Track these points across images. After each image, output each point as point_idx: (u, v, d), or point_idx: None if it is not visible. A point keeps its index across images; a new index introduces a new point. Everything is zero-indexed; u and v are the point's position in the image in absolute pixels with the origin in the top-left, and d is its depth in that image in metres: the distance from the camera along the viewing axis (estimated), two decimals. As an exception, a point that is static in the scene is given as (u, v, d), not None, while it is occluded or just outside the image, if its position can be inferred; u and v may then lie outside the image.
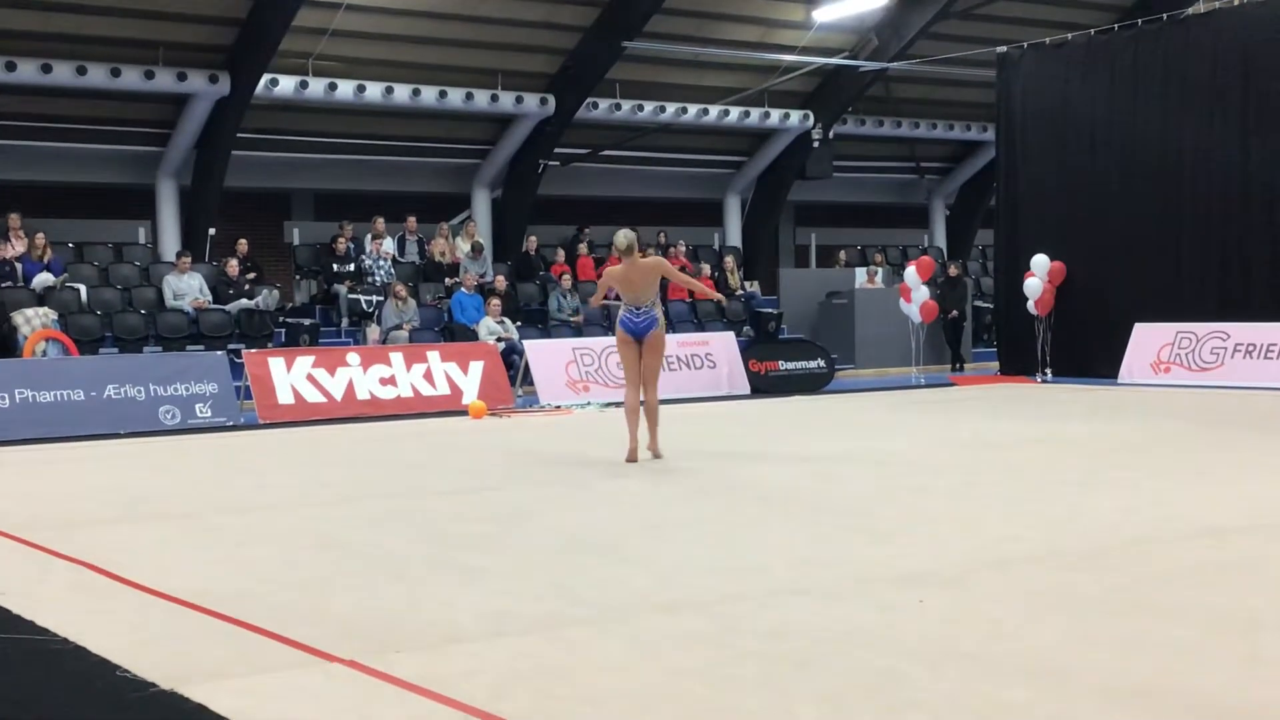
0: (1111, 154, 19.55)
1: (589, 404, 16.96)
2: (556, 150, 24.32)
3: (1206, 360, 17.76)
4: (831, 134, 26.19)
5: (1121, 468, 9.61)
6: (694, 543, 6.94)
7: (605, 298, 12.06)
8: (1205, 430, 12.30)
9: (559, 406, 16.76)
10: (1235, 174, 18.11)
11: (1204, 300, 18.24)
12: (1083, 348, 19.68)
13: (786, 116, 25.45)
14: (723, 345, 18.98)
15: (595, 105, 23.55)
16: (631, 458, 10.55)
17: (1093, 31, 20.99)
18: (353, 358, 16.61)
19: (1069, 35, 20.89)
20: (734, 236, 27.21)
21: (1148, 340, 18.49)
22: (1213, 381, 17.40)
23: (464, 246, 22.23)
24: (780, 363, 19.10)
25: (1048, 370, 19.83)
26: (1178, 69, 18.83)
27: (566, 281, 21.57)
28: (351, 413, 16.02)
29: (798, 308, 23.67)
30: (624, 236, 10.60)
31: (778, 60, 24.42)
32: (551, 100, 23.09)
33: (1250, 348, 17.38)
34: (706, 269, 24.00)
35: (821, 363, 19.37)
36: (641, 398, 10.71)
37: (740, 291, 24.25)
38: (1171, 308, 18.41)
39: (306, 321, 19.89)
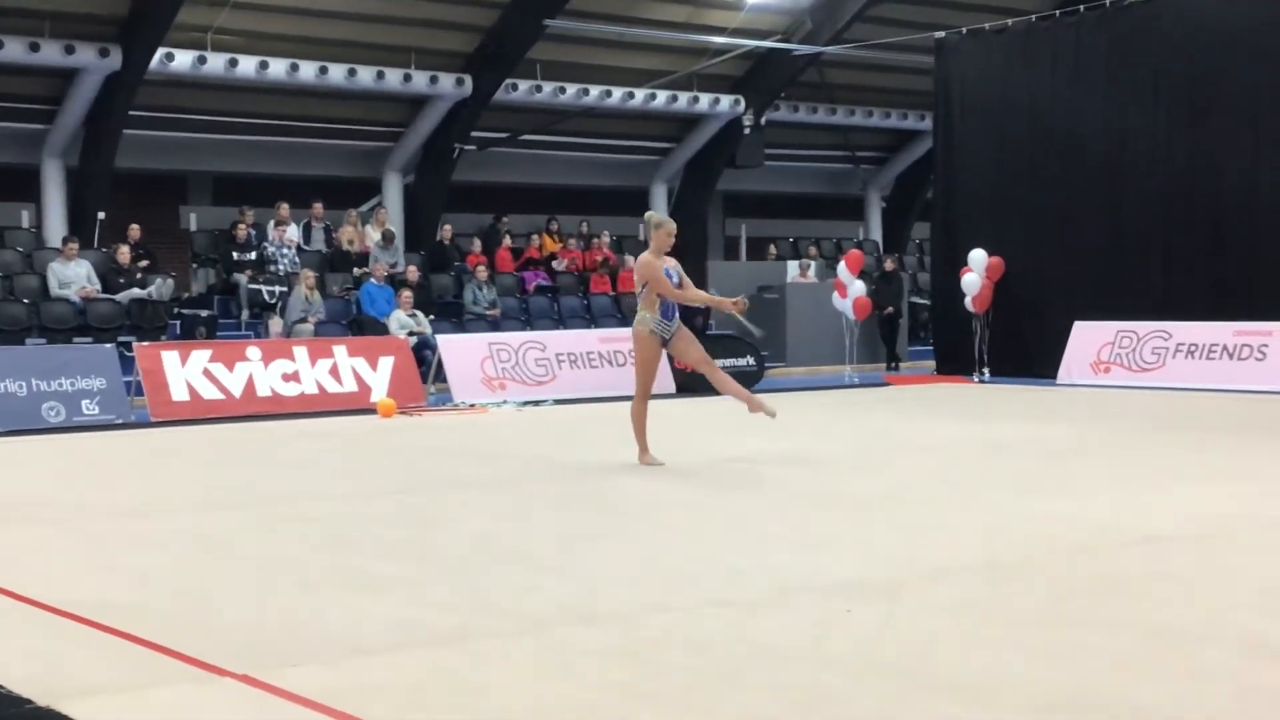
0: (1052, 145, 19.83)
1: (505, 402, 16.93)
2: (473, 134, 24.21)
3: (1147, 360, 18.07)
4: (763, 120, 26.31)
5: (1057, 473, 9.75)
6: (618, 551, 6.93)
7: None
8: (1143, 434, 12.52)
9: (474, 405, 16.70)
10: (1179, 166, 18.43)
11: (1146, 298, 18.55)
12: (1021, 346, 19.95)
13: (716, 102, 25.53)
14: (647, 341, 18.97)
15: (515, 87, 23.48)
16: (647, 463, 10.30)
17: (1034, 17, 21.32)
18: (253, 352, 16.43)
19: (1009, 21, 21.15)
20: (660, 227, 27.24)
21: (1088, 339, 18.78)
22: (1154, 382, 17.71)
23: (374, 235, 22.07)
24: (708, 360, 19.15)
25: (985, 370, 20.07)
26: (1121, 57, 19.13)
27: (483, 273, 21.50)
28: (252, 410, 15.84)
29: (726, 302, 23.73)
30: (673, 223, 10.22)
31: (707, 42, 24.49)
32: (469, 81, 22.99)
33: (1192, 348, 17.71)
34: (630, 261, 24.01)
35: (751, 360, 19.44)
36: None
37: (666, 285, 24.31)
38: (1113, 305, 18.71)
39: (204, 313, 19.64)
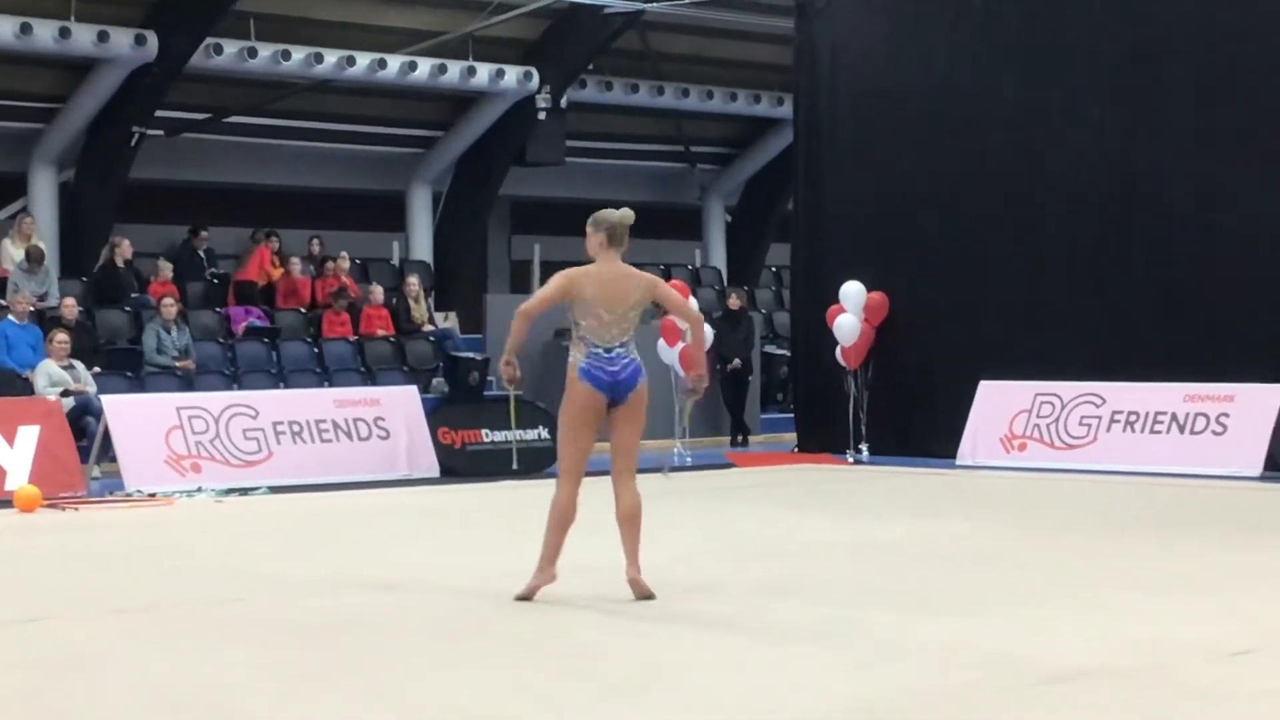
0: (954, 143, 20.24)
1: (200, 491, 16.70)
2: (159, 113, 23.88)
3: (1075, 434, 18.54)
4: (564, 102, 26.43)
5: (940, 590, 10.00)
6: (331, 696, 6.96)
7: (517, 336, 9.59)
8: (1058, 538, 12.85)
9: (154, 495, 16.45)
10: (1116, 174, 18.97)
11: (1073, 351, 19.00)
12: (911, 415, 20.26)
13: (500, 74, 25.59)
14: (400, 405, 18.91)
15: (218, 49, 23.24)
16: (532, 591, 9.42)
17: (929, -29, 21.69)
18: None
19: (896, -24, 21.64)
20: (422, 247, 27.16)
21: (997, 405, 19.21)
22: (1082, 464, 18.16)
23: (14, 253, 21.61)
24: (484, 432, 19.14)
25: (863, 447, 20.38)
26: (1043, 29, 19.67)
27: (171, 309, 21.16)
28: None
29: (513, 352, 23.73)
30: (623, 213, 9.52)
31: (488, -7, 24.63)
32: (152, 39, 22.66)
33: (1132, 418, 18.23)
34: (379, 292, 23.92)
35: (544, 432, 19.47)
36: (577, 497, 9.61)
37: (429, 327, 24.24)
38: (1030, 360, 19.10)
39: None
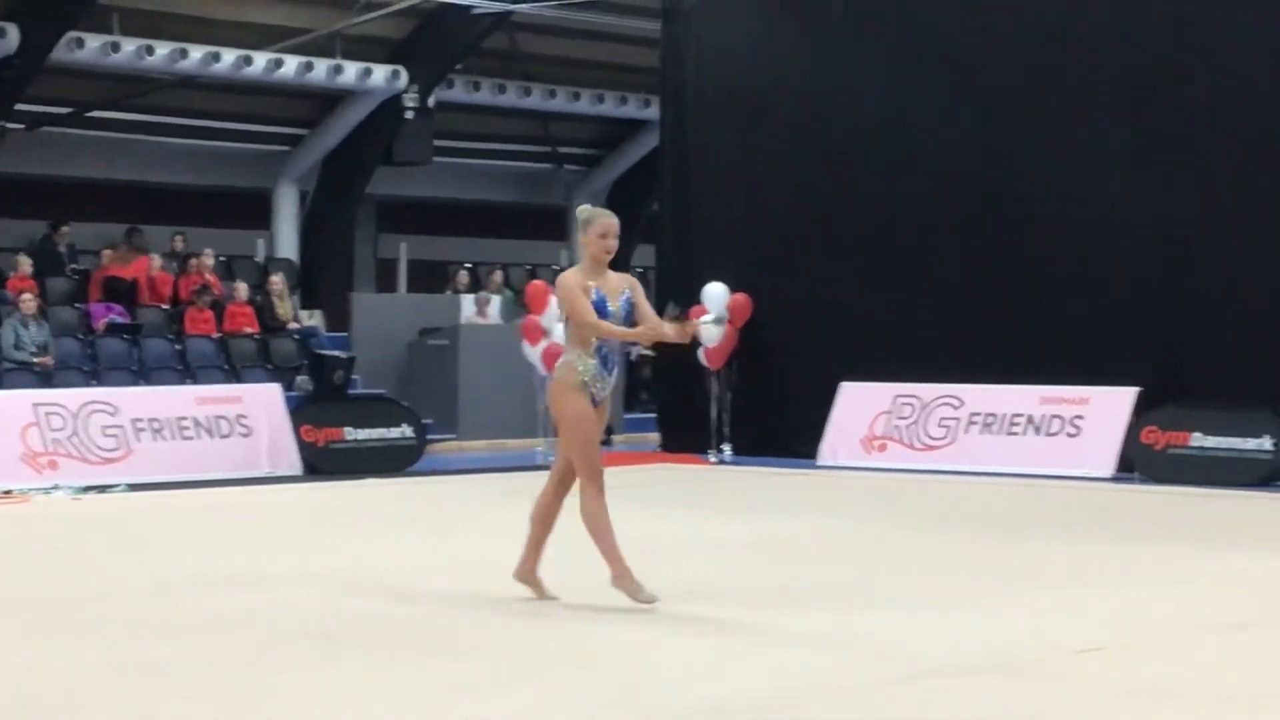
0: (817, 145, 20.40)
1: (57, 488, 16.53)
2: (20, 107, 23.54)
3: (934, 436, 18.77)
4: (432, 102, 26.34)
5: (797, 589, 10.11)
6: (186, 695, 6.94)
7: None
8: (915, 537, 13.07)
9: (9, 492, 16.23)
10: (976, 178, 19.17)
11: (933, 351, 19.21)
12: (773, 415, 20.38)
13: (368, 73, 25.45)
14: (262, 403, 18.78)
15: (80, 43, 22.93)
16: (627, 580, 9.19)
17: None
18: None
19: (761, -21, 21.76)
20: (287, 245, 26.95)
21: (858, 406, 19.39)
22: (940, 464, 18.40)
23: None
24: (347, 430, 19.04)
25: (725, 447, 20.49)
26: (906, 30, 19.85)
27: (30, 304, 20.85)
28: None
29: (378, 350, 23.62)
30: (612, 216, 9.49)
31: (355, -10, 24.51)
32: (13, 31, 22.30)
33: (989, 419, 18.50)
34: (243, 290, 23.71)
35: (408, 430, 19.43)
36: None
37: (294, 325, 24.07)
38: (891, 361, 19.27)
39: None
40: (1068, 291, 18.45)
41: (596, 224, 9.33)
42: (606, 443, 22.80)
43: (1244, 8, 17.59)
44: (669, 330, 9.19)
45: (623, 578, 9.11)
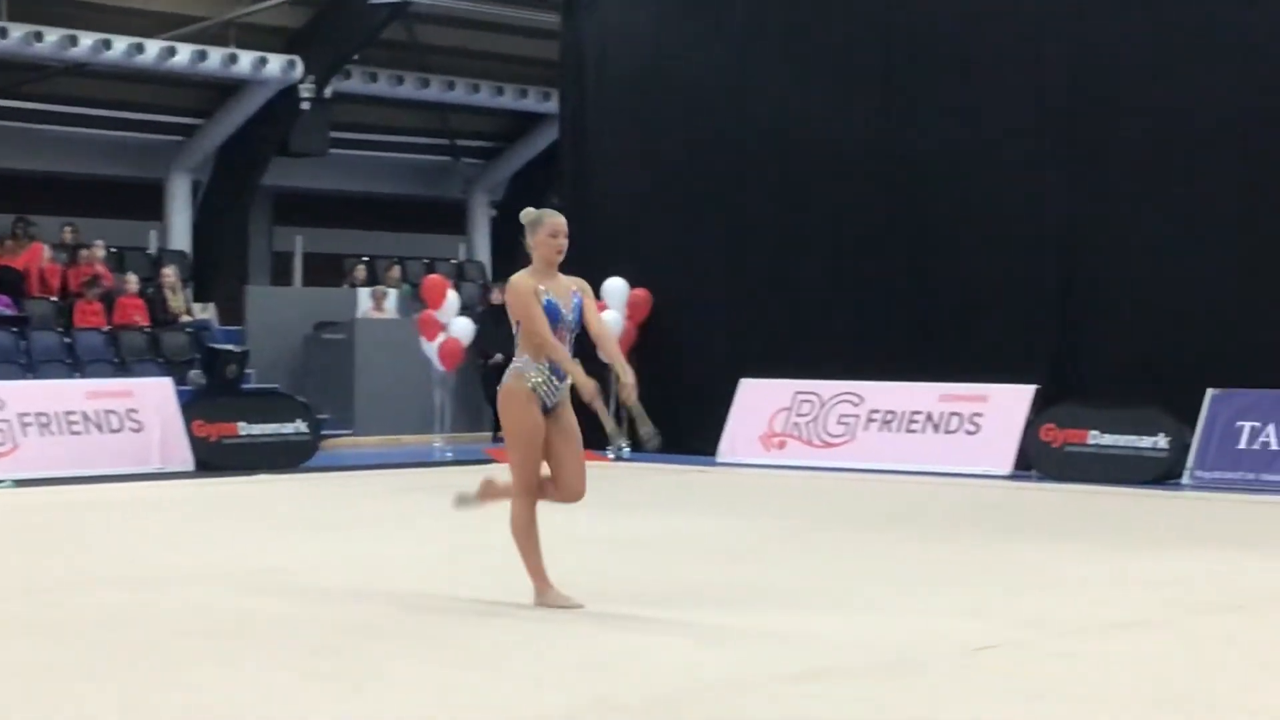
0: (718, 140, 20.42)
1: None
2: (-95, 93, 23.25)
3: (833, 433, 18.78)
4: (329, 92, 26.18)
5: (694, 587, 10.07)
6: (71, 695, 6.83)
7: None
8: (814, 535, 13.09)
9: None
10: (876, 172, 19.24)
11: (832, 348, 19.22)
12: (673, 412, 20.25)
13: (263, 62, 25.26)
14: (154, 397, 18.57)
15: (-32, 29, 22.68)
16: (551, 595, 9.07)
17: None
18: None
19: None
20: (180, 236, 26.75)
21: (757, 403, 19.40)
22: (840, 461, 18.41)
23: None
24: (240, 425, 18.87)
25: (625, 444, 20.41)
26: (806, 23, 19.89)
27: (-83, 296, 20.56)
28: None
29: (272, 344, 23.47)
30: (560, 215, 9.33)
31: (251, -21, 24.33)
32: (-102, 17, 22.03)
33: (889, 417, 18.55)
34: (134, 282, 23.42)
35: (303, 426, 19.30)
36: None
37: (187, 318, 23.81)
38: (790, 358, 19.33)
39: None
40: (967, 289, 18.53)
41: (545, 224, 9.20)
42: (503, 439, 22.86)
43: (1140, 5, 17.72)
44: (627, 396, 9.17)
45: (545, 594, 9.00)
